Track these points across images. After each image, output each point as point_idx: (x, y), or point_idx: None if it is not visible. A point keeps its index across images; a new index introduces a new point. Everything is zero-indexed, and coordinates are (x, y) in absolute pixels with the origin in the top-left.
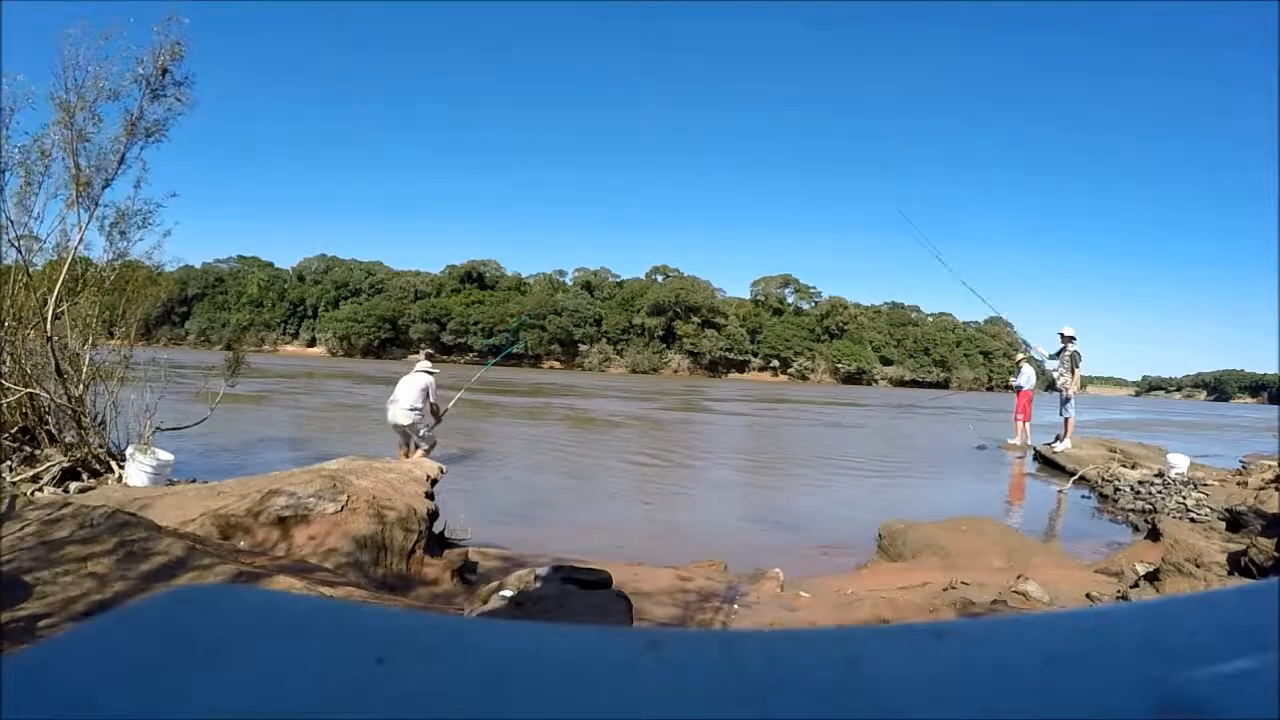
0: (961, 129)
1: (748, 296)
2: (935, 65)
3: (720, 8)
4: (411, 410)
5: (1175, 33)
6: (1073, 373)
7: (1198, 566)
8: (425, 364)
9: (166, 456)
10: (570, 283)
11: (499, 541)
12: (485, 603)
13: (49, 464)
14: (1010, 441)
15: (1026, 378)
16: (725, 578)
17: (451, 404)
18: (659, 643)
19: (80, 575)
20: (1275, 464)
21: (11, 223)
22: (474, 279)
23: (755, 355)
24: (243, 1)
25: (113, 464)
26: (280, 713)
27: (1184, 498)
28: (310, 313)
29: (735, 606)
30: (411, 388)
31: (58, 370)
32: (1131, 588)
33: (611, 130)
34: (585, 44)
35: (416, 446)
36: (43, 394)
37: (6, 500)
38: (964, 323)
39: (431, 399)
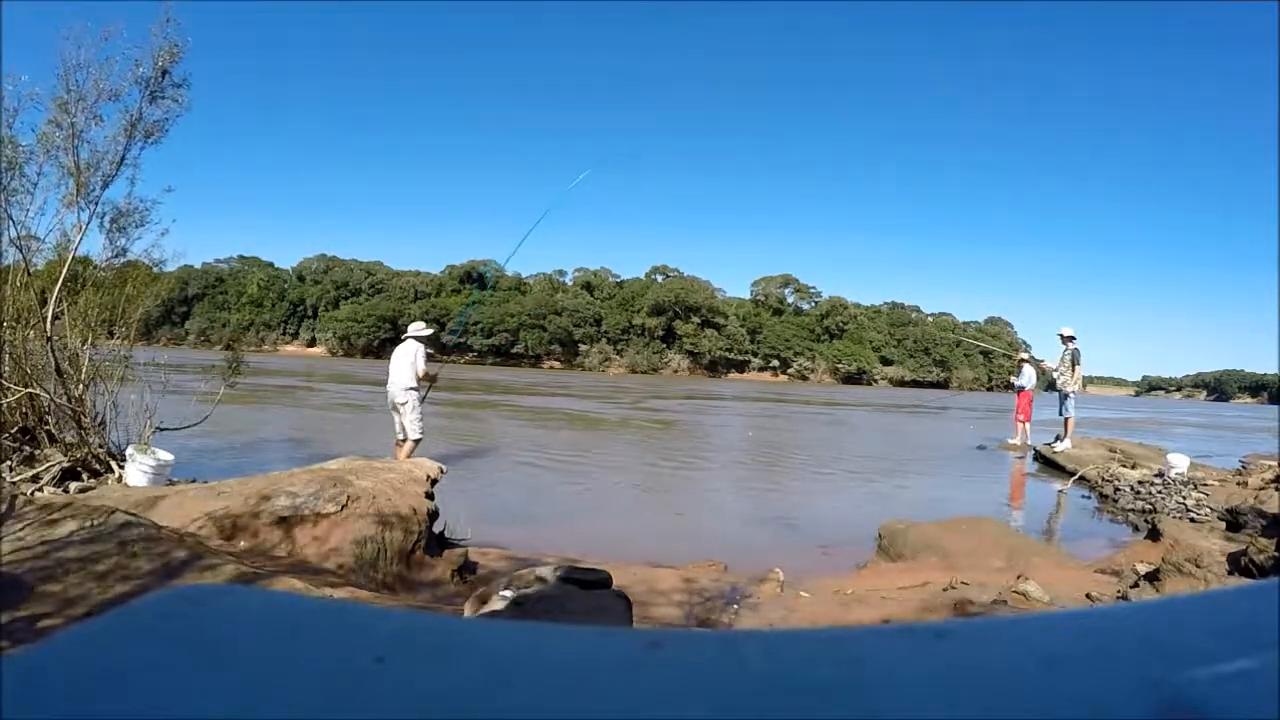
0: (961, 127)
1: (748, 296)
2: (935, 64)
3: (720, 7)
4: (407, 390)
5: (1176, 32)
6: (1072, 371)
7: (1198, 566)
8: (418, 325)
9: (166, 456)
10: (570, 283)
11: (499, 541)
12: (485, 603)
13: (49, 464)
14: (1010, 441)
15: (1027, 378)
16: (725, 578)
17: (439, 369)
18: (659, 643)
19: (80, 575)
20: (1275, 464)
21: (12, 221)
22: (474, 279)
23: (755, 355)
24: (244, 1)
25: (112, 464)
26: (280, 713)
27: (1184, 498)
28: (310, 313)
29: (735, 607)
30: (403, 359)
31: (58, 370)
32: (1131, 588)
33: (611, 130)
34: (585, 45)
35: (406, 438)
36: (43, 394)
37: (6, 500)
38: (964, 322)
39: (418, 365)
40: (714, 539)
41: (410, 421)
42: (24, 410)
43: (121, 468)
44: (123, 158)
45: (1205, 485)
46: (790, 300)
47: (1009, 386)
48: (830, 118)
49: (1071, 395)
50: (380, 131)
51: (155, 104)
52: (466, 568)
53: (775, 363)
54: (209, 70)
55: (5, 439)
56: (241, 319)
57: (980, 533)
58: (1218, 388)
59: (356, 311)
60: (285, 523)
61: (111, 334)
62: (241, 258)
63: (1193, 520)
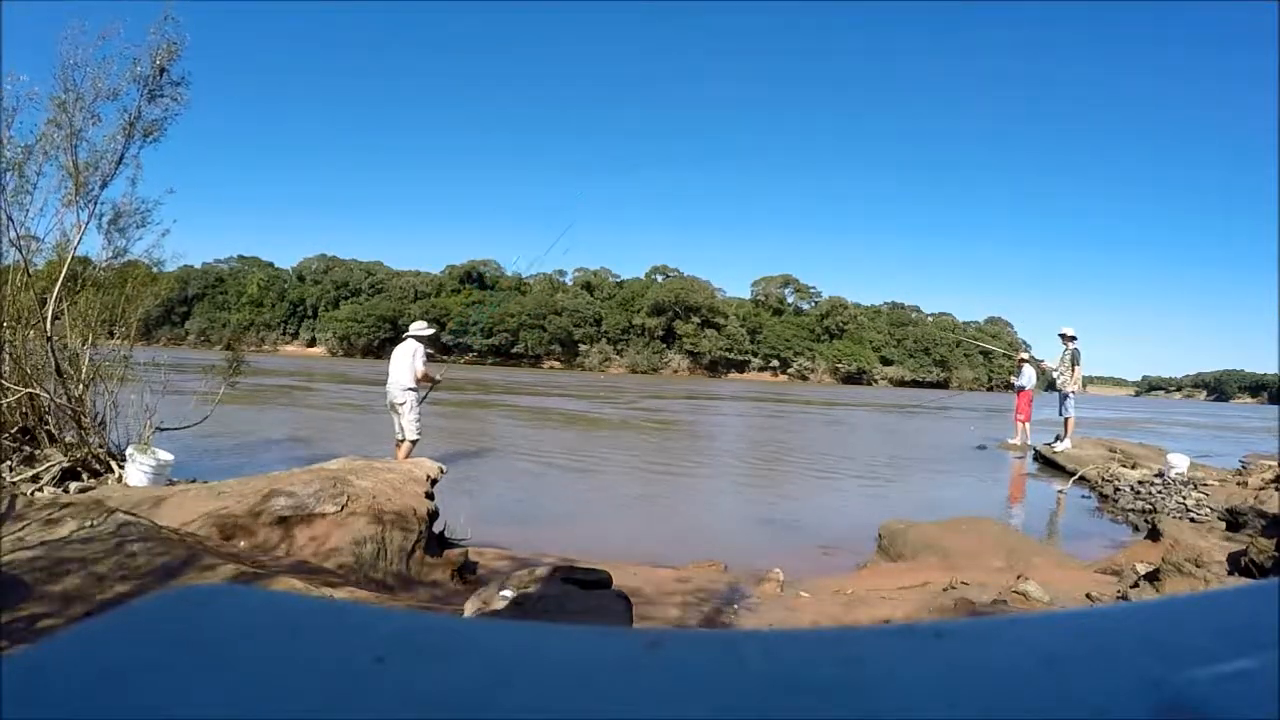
0: (961, 127)
1: (748, 296)
2: (934, 63)
3: (720, 7)
4: (406, 390)
5: (1175, 32)
6: (1072, 371)
7: (1198, 566)
8: (419, 324)
9: (166, 456)
10: (570, 283)
11: (499, 541)
12: (485, 603)
13: (49, 464)
14: (1010, 441)
15: (1027, 378)
16: (725, 578)
17: (442, 373)
18: (659, 643)
19: (80, 575)
20: (1275, 464)
21: (12, 221)
22: (474, 279)
23: (755, 355)
24: (244, 1)
25: (112, 464)
26: (280, 713)
27: (1184, 498)
28: (310, 313)
29: (735, 606)
30: (403, 358)
31: (58, 370)
32: (1131, 588)
33: (611, 130)
34: (584, 45)
35: (404, 438)
36: (43, 394)
37: (6, 500)
38: (964, 322)
39: (416, 365)
40: (714, 539)
41: (408, 422)
42: (24, 410)
43: (121, 468)
44: (121, 157)
45: (1205, 485)
46: (790, 300)
47: (1009, 386)
48: (830, 118)
49: (1071, 395)
50: (380, 131)
51: (154, 103)
52: (466, 568)
53: (775, 363)
54: (209, 69)
55: (5, 439)
56: (241, 319)
57: (980, 533)
58: (1218, 388)
59: (356, 311)
60: (285, 523)
61: (111, 334)
62: (241, 258)
63: (1193, 520)
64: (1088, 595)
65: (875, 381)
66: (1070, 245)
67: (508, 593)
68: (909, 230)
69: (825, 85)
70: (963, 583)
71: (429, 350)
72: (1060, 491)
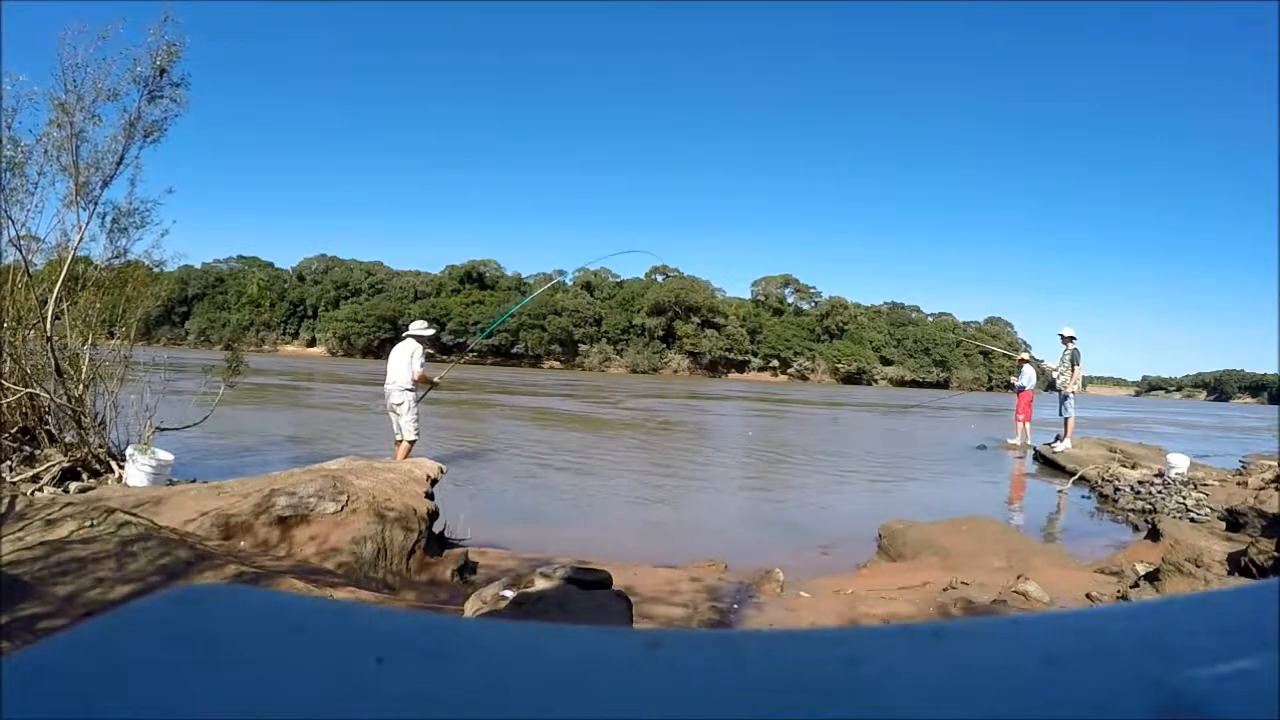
0: (961, 128)
1: (748, 296)
2: (935, 63)
3: (721, 8)
4: (404, 390)
5: (1175, 32)
6: (1072, 372)
7: (1198, 566)
8: (419, 324)
9: (166, 456)
10: (570, 283)
11: (499, 541)
12: (485, 603)
13: (49, 464)
14: (1010, 441)
15: (1027, 378)
16: (725, 578)
17: (441, 375)
18: (659, 643)
19: (80, 575)
20: (1275, 464)
21: (11, 221)
22: (474, 279)
23: (755, 355)
24: (244, 1)
25: (112, 464)
26: (281, 713)
27: (1184, 498)
28: (310, 313)
29: (735, 606)
30: (400, 359)
31: (58, 370)
32: (1131, 588)
33: (611, 131)
34: (585, 45)
35: (403, 438)
36: (43, 394)
37: (6, 500)
38: (964, 322)
39: (414, 365)
40: (714, 539)
41: (406, 422)
42: (24, 410)
43: (121, 468)
44: (122, 157)
45: (1205, 485)
46: (790, 300)
47: (1009, 386)
48: (830, 118)
49: (1071, 395)
50: (380, 131)
51: (154, 103)
52: (466, 568)
53: (775, 363)
54: (210, 69)
55: (5, 439)
56: (241, 319)
57: (980, 533)
58: (1218, 387)
59: (356, 311)
60: (285, 523)
61: (111, 334)
62: (241, 258)
63: (1193, 520)
64: (1088, 595)
65: (875, 381)
66: (1070, 245)
67: (508, 593)
68: (909, 230)
69: (825, 85)
70: (963, 583)
71: (428, 350)
72: (1060, 491)
